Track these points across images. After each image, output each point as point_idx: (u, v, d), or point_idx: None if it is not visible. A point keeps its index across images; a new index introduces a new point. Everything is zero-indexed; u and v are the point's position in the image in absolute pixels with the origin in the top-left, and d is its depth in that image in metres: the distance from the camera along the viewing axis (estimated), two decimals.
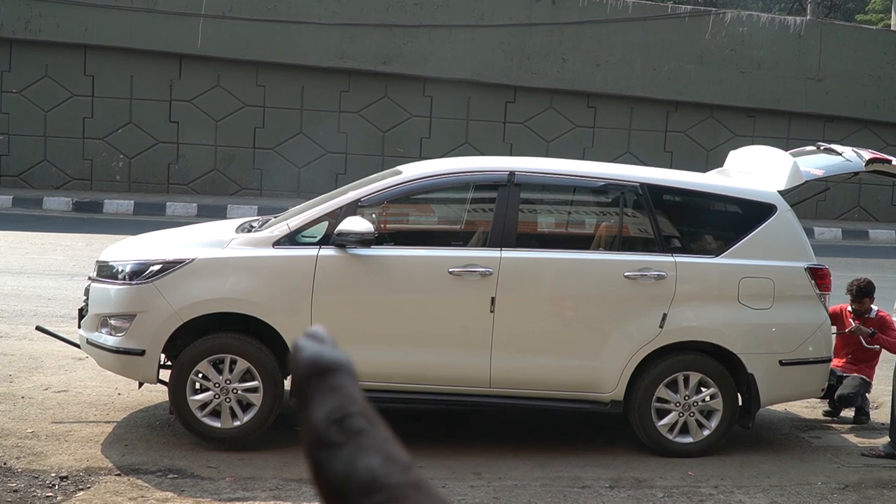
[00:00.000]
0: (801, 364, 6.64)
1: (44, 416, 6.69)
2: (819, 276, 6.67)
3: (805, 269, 6.64)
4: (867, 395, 7.57)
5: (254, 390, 6.29)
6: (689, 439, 6.57)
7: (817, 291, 6.65)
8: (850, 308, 7.60)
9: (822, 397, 7.39)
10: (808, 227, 12.53)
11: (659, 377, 6.49)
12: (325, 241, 6.32)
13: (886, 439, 6.89)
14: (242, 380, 6.30)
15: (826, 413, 7.69)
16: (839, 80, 19.63)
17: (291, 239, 6.36)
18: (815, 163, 7.30)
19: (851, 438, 7.23)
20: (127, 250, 6.70)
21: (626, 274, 6.44)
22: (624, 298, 6.46)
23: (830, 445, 7.05)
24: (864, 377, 7.50)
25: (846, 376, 7.50)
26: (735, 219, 6.89)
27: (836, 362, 7.57)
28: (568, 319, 6.48)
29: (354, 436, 0.65)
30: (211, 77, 18.43)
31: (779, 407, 7.60)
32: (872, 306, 7.58)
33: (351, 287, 6.32)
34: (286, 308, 6.26)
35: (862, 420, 7.53)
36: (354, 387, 0.67)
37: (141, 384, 6.82)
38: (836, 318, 7.49)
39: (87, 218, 16.39)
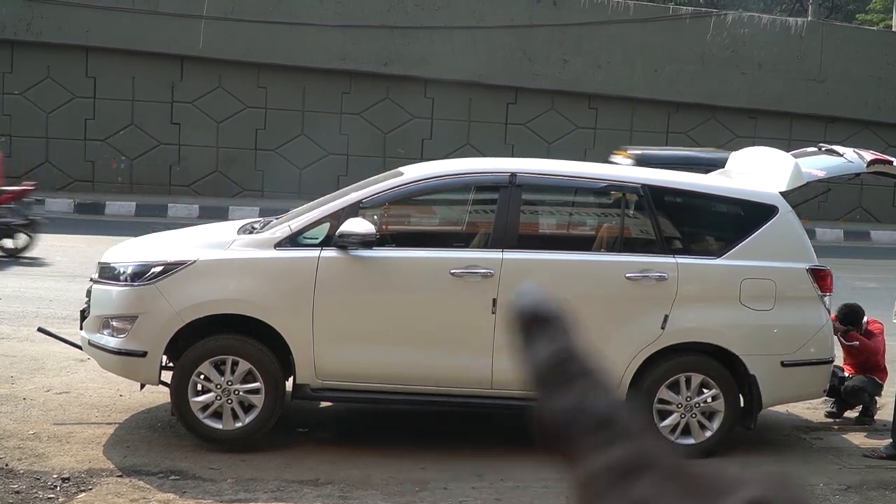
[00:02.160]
0: (802, 365, 6.64)
1: (45, 418, 6.69)
2: (820, 278, 6.66)
3: (806, 270, 6.64)
4: (877, 396, 7.55)
5: (255, 391, 6.29)
6: (690, 440, 6.56)
7: (819, 293, 6.65)
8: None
9: (827, 397, 7.39)
10: (810, 228, 12.53)
11: (661, 378, 6.48)
12: (326, 242, 6.32)
13: (888, 440, 6.88)
14: (244, 381, 6.30)
15: (828, 414, 7.69)
16: (840, 80, 19.62)
17: (293, 240, 6.36)
18: (817, 164, 7.30)
19: (853, 439, 7.22)
20: (129, 252, 6.70)
21: (628, 275, 6.44)
22: (625, 299, 6.45)
23: (832, 447, 7.04)
24: (874, 377, 7.50)
25: (851, 377, 7.50)
26: (736, 220, 6.88)
27: (847, 370, 7.60)
28: None
29: (581, 376, 0.66)
30: (212, 79, 18.44)
31: (780, 408, 7.59)
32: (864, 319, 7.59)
33: (352, 288, 6.32)
34: (288, 309, 6.26)
35: (865, 421, 7.52)
36: (574, 335, 0.68)
37: (143, 385, 6.82)
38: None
39: (89, 219, 16.39)
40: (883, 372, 7.58)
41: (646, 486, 0.59)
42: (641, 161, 11.85)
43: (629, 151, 12.46)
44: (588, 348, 0.69)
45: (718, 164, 11.52)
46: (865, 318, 7.61)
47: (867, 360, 7.58)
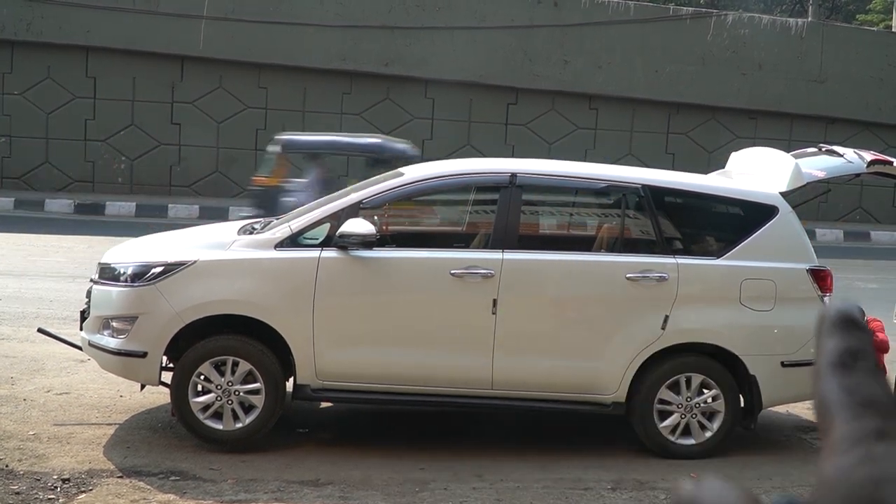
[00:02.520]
0: (802, 365, 6.63)
1: (45, 419, 6.69)
2: (821, 278, 6.66)
3: (807, 270, 6.64)
4: None
5: (256, 392, 6.29)
6: (691, 441, 6.56)
7: (819, 293, 6.65)
8: None
9: None
10: (810, 228, 12.54)
11: (661, 379, 6.48)
12: (327, 242, 6.32)
13: None
14: (244, 382, 6.30)
15: None
16: (841, 81, 19.63)
17: (293, 241, 6.36)
18: (817, 164, 7.30)
19: None
20: (129, 252, 6.70)
21: (628, 275, 6.44)
22: (626, 300, 6.46)
23: None
24: None
25: None
26: (737, 220, 6.88)
27: None
28: (570, 321, 6.48)
29: (866, 365, 0.72)
30: (213, 79, 18.44)
31: (781, 408, 7.59)
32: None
33: (353, 289, 6.32)
34: (288, 310, 6.26)
35: None
36: (871, 345, 0.74)
37: (143, 386, 6.82)
38: None
39: (89, 220, 16.39)
40: (884, 370, 7.59)
41: (888, 446, 0.66)
42: (287, 147, 11.59)
43: (277, 137, 12.25)
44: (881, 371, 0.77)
45: (366, 151, 11.43)
46: (865, 318, 7.60)
47: None
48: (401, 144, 11.66)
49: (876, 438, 0.67)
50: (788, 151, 7.76)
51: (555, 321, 6.46)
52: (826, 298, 6.71)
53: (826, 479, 0.67)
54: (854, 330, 0.74)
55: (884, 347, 7.52)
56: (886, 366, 7.65)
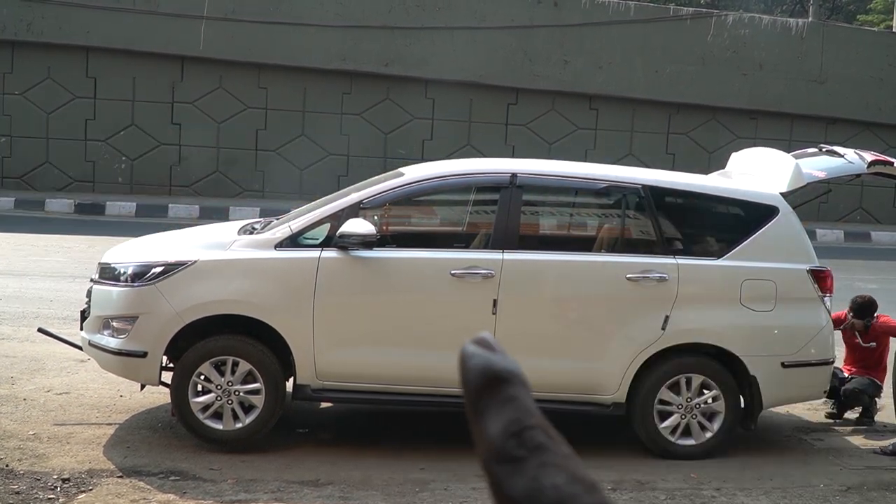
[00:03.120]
0: (803, 366, 6.64)
1: (46, 418, 6.69)
2: (821, 278, 6.66)
3: (807, 271, 6.64)
4: (877, 397, 7.55)
5: (256, 392, 6.29)
6: (691, 441, 6.56)
7: (819, 293, 6.65)
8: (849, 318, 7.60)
9: (827, 398, 7.38)
10: (810, 229, 12.53)
11: (661, 379, 6.48)
12: (327, 242, 6.32)
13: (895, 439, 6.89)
14: (244, 382, 6.30)
15: (828, 415, 7.69)
16: (841, 81, 19.62)
17: (293, 241, 6.36)
18: (817, 165, 7.30)
19: (854, 441, 7.22)
20: (129, 252, 6.71)
21: (629, 276, 6.44)
22: (626, 300, 6.45)
23: (833, 447, 7.04)
24: (873, 378, 7.50)
25: (851, 377, 7.51)
26: (737, 221, 6.88)
27: (847, 370, 7.60)
28: (570, 321, 6.48)
29: (536, 451, 0.61)
30: (213, 79, 18.43)
31: (781, 409, 7.59)
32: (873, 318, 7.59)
33: (353, 289, 6.32)
34: (288, 310, 6.26)
35: (866, 422, 7.51)
36: (529, 398, 0.62)
37: (143, 386, 6.82)
38: (839, 323, 7.48)
39: (89, 220, 16.39)
40: (883, 371, 7.57)
41: None
42: None
43: None
44: (543, 416, 0.64)
45: None
46: (876, 315, 7.60)
47: (869, 357, 7.58)
48: None
49: None
50: (789, 152, 7.76)
51: (555, 321, 6.46)
52: (826, 299, 6.71)
53: None
54: (505, 393, 0.60)
55: None
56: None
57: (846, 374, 7.57)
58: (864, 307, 7.51)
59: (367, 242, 6.24)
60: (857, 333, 7.55)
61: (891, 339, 7.64)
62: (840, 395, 7.49)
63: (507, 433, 0.60)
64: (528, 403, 0.61)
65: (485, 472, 0.60)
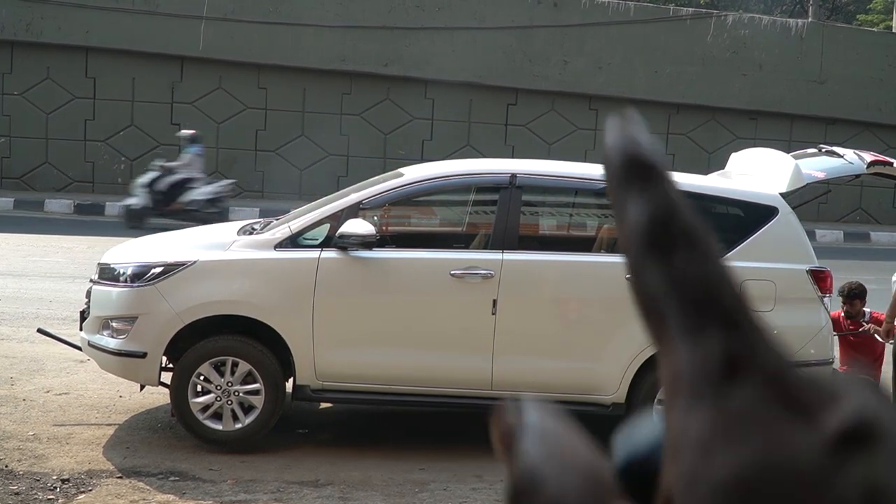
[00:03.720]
0: (802, 366, 6.63)
1: (45, 419, 6.68)
2: (821, 279, 6.66)
3: (807, 271, 6.64)
4: None
5: (255, 392, 6.29)
6: None
7: (819, 294, 6.65)
8: (842, 313, 7.59)
9: None
10: (810, 229, 12.53)
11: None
12: (326, 243, 6.32)
13: None
14: (244, 382, 6.30)
15: None
16: (841, 82, 19.62)
17: (293, 241, 6.36)
18: (817, 165, 7.30)
19: None
20: (129, 253, 6.70)
21: (628, 276, 6.43)
22: (626, 301, 6.32)
23: None
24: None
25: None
26: (737, 221, 6.88)
27: (842, 370, 7.58)
28: (569, 322, 6.48)
29: (683, 238, 0.55)
30: (212, 79, 18.43)
31: None
32: (865, 309, 7.55)
33: (352, 289, 6.32)
34: (288, 310, 6.26)
35: None
36: (676, 192, 0.56)
37: (142, 386, 6.82)
38: (836, 323, 7.47)
39: (89, 220, 16.39)
40: (878, 370, 7.56)
41: (743, 394, 0.49)
42: None
43: None
44: (688, 206, 0.58)
45: None
46: (869, 311, 7.58)
47: (868, 359, 7.55)
48: None
49: (724, 375, 0.50)
50: (788, 152, 7.76)
51: (554, 322, 6.46)
52: (826, 299, 6.71)
53: (674, 467, 0.49)
54: (650, 178, 0.55)
55: None
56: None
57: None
58: (854, 293, 7.51)
59: (366, 243, 6.24)
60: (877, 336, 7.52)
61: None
62: None
63: (656, 220, 0.54)
64: (677, 197, 0.55)
65: (628, 263, 0.55)
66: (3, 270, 11.35)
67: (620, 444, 0.61)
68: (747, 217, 6.79)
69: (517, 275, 6.38)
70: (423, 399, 6.46)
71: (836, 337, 7.65)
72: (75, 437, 6.39)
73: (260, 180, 18.71)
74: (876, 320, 7.53)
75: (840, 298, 7.57)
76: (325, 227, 6.38)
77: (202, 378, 6.29)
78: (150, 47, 18.08)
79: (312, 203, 6.99)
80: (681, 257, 0.54)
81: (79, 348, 6.78)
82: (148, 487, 5.64)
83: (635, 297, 0.55)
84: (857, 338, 7.55)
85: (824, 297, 6.68)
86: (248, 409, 6.32)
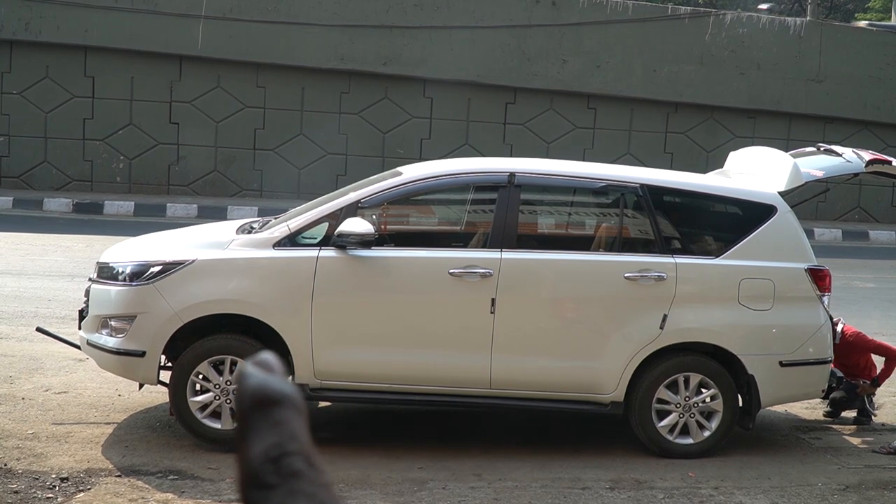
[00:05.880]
0: (801, 365, 6.64)
1: (44, 418, 6.69)
2: (819, 278, 6.67)
3: (805, 270, 6.65)
4: (872, 394, 7.53)
5: None
6: (689, 440, 6.57)
7: (817, 292, 6.66)
8: None
9: (822, 398, 7.37)
10: (808, 228, 12.54)
11: (659, 378, 6.49)
12: (325, 242, 6.32)
13: None
14: None
15: (826, 414, 7.68)
16: (839, 81, 19.63)
17: (292, 240, 6.37)
18: (816, 164, 7.31)
19: (852, 439, 7.23)
20: (127, 251, 6.70)
21: (627, 275, 6.45)
22: (624, 300, 6.46)
23: (831, 446, 7.05)
24: (859, 381, 7.46)
25: (848, 380, 7.48)
26: (735, 220, 6.89)
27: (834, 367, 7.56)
28: (568, 321, 6.48)
29: (290, 478, 0.59)
30: (211, 78, 18.43)
31: (779, 408, 7.60)
32: (837, 328, 7.15)
33: (351, 288, 6.32)
34: (286, 309, 6.26)
35: (863, 421, 7.51)
36: (299, 423, 0.60)
37: (141, 385, 6.82)
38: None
39: (88, 219, 16.39)
40: (873, 368, 7.53)
41: None
42: None
43: None
44: (310, 442, 0.62)
45: None
46: (842, 326, 7.30)
47: (857, 368, 7.48)
48: None
49: None
50: (787, 151, 7.77)
51: (553, 321, 6.46)
52: (825, 298, 6.72)
53: None
54: (274, 415, 0.58)
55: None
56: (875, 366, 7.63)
57: (842, 375, 7.52)
58: None
59: (365, 242, 6.24)
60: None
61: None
62: (830, 402, 7.47)
63: (266, 458, 0.57)
64: (296, 428, 0.59)
65: (240, 495, 0.58)
66: (1, 269, 11.35)
67: None
68: (746, 216, 6.80)
69: (516, 274, 6.38)
70: (421, 398, 6.46)
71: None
72: (74, 436, 6.39)
73: (258, 179, 18.71)
74: (855, 339, 7.36)
75: None
76: (324, 226, 6.39)
77: (201, 377, 6.30)
78: (148, 46, 18.07)
79: (311, 202, 7.00)
80: (282, 494, 0.57)
81: (78, 347, 6.78)
82: (147, 486, 5.65)
83: None
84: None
85: (823, 295, 6.69)
86: None
